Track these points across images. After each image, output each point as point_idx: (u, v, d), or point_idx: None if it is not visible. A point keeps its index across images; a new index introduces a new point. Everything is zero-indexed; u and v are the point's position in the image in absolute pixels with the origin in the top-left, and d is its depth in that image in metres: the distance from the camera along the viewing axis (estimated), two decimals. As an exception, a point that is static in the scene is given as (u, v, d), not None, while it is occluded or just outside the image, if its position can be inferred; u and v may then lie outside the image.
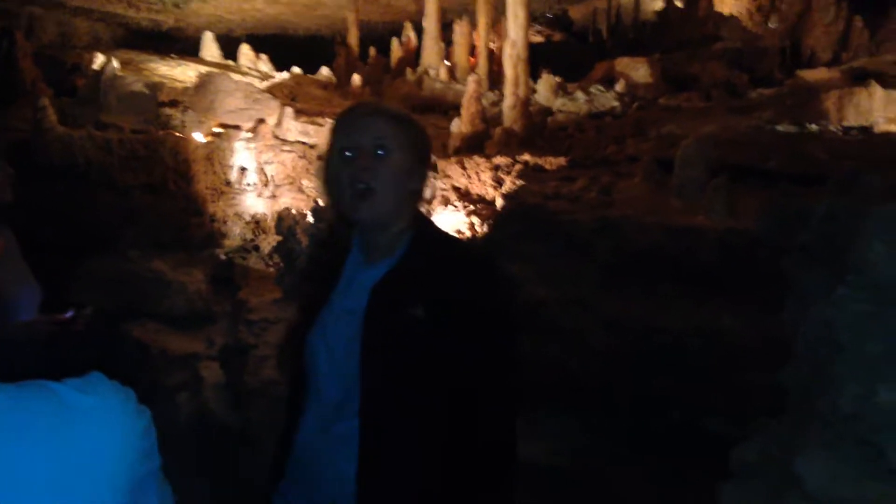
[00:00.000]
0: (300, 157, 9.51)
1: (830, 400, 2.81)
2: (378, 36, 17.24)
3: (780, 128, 9.57)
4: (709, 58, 15.99)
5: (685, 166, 6.28)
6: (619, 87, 13.95)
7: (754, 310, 4.60)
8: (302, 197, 9.06)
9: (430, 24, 14.87)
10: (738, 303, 4.74)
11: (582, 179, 6.80)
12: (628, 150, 8.65)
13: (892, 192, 4.82)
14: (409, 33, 16.49)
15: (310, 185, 8.86)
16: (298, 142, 9.75)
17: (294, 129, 9.90)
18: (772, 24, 17.05)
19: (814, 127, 9.38)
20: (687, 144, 6.37)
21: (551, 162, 8.20)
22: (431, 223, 1.45)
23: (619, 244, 5.42)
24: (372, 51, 16.29)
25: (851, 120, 9.24)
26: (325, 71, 14.05)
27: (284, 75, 13.52)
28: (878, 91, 9.27)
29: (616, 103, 13.21)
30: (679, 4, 19.10)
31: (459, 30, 15.37)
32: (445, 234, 1.48)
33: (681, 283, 5.21)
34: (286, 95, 11.60)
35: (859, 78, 11.71)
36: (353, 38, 16.33)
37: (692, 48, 17.01)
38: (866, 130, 9.13)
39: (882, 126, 9.15)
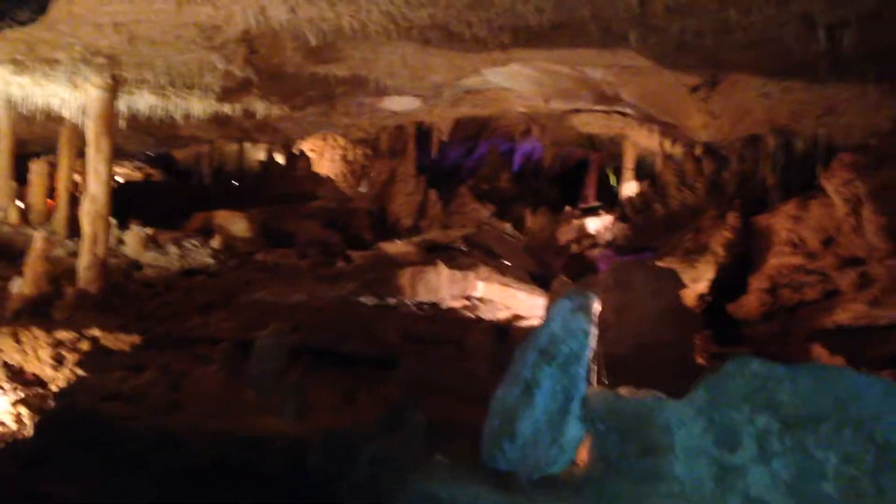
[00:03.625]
0: None
1: None
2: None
3: (363, 299, 10.09)
4: (306, 216, 16.68)
5: (261, 358, 6.12)
6: (216, 241, 13.68)
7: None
8: None
9: (2, 160, 13.18)
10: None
11: (151, 369, 6.24)
12: (213, 323, 8.32)
13: (436, 427, 5.16)
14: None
15: None
16: None
17: None
18: (363, 189, 18.52)
19: (392, 301, 10.07)
20: (265, 335, 6.24)
21: (123, 340, 7.47)
22: None
23: (180, 456, 4.94)
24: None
25: (423, 296, 10.10)
26: None
27: None
28: (444, 271, 10.34)
29: (211, 260, 12.88)
30: (280, 160, 19.84)
31: (36, 169, 13.85)
32: None
33: (249, 498, 4.89)
34: None
35: (432, 250, 13.09)
36: None
37: (292, 203, 17.65)
38: (435, 306, 10.08)
39: (448, 302, 10.18)
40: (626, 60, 8.68)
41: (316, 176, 19.07)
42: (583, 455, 2.75)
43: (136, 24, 7.21)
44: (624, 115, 14.30)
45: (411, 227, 17.39)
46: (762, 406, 2.31)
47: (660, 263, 10.49)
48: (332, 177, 19.32)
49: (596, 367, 3.09)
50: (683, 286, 8.65)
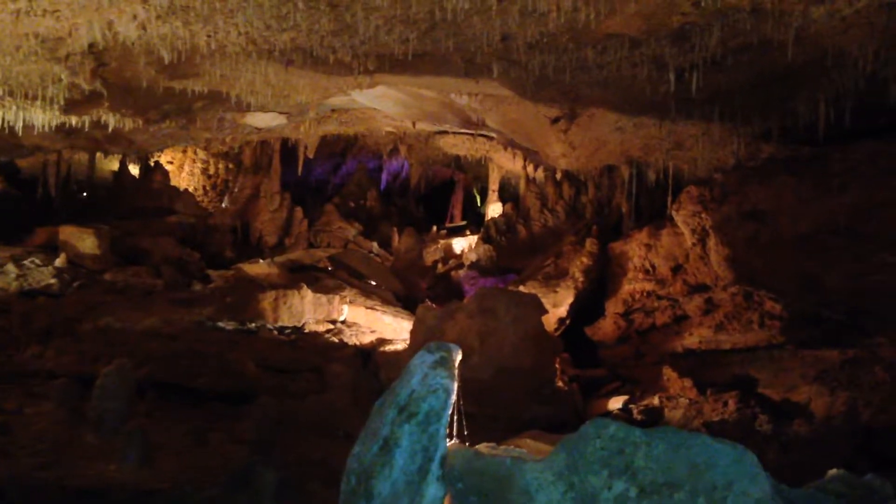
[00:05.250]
0: None
1: None
2: None
3: (221, 324, 9.67)
4: (162, 231, 15.82)
5: (104, 397, 5.67)
6: (60, 261, 12.71)
7: None
8: None
9: None
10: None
11: (-24, 411, 5.65)
12: (51, 355, 7.69)
13: (292, 468, 4.97)
14: None
15: None
16: None
17: None
18: (225, 205, 17.84)
19: (253, 325, 9.71)
20: (107, 372, 5.79)
21: (-55, 376, 6.75)
22: None
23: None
24: None
25: (285, 320, 9.81)
26: None
27: None
28: (308, 294, 10.08)
29: (54, 281, 11.94)
30: (134, 172, 18.76)
31: None
32: None
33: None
34: None
35: (296, 271, 12.75)
36: None
37: (146, 218, 16.69)
38: (298, 330, 9.80)
39: (311, 326, 9.93)
40: (490, 89, 8.81)
41: (173, 189, 18.15)
42: (443, 518, 2.66)
43: (-32, 32, 6.56)
44: (489, 138, 14.56)
45: (275, 246, 16.93)
46: (620, 471, 2.31)
47: (522, 288, 10.72)
48: (192, 190, 18.49)
49: (456, 421, 3.02)
50: (545, 311, 8.86)
